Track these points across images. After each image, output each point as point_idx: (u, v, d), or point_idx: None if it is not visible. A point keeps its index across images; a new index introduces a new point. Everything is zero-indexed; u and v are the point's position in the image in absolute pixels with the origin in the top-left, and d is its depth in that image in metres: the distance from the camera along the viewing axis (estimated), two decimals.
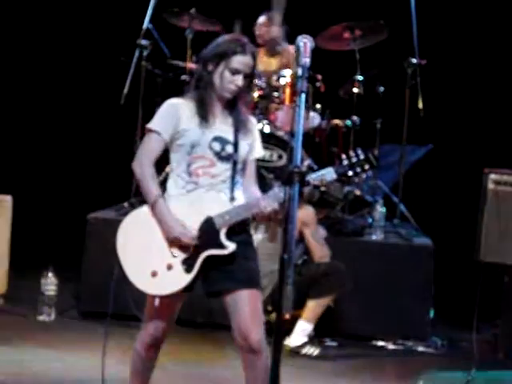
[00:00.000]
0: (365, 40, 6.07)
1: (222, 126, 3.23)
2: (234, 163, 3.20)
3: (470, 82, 6.91)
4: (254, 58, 3.22)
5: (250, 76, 3.22)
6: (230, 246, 3.12)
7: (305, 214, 5.01)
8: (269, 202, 3.10)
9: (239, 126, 3.24)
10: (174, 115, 3.19)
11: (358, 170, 3.12)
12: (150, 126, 3.21)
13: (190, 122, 3.19)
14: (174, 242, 3.12)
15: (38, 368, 4.29)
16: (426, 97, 5.74)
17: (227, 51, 3.17)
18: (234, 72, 3.16)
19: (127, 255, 3.16)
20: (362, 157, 3.11)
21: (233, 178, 3.21)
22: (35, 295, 5.20)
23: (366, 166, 3.12)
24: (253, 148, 3.29)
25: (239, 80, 3.17)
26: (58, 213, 7.10)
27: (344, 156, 3.14)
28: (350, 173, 3.12)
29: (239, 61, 3.16)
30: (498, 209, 5.09)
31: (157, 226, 3.15)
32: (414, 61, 5.78)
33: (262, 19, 6.09)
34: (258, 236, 4.92)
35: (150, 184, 3.16)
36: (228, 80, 3.17)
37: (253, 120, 3.35)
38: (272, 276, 4.72)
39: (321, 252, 5.05)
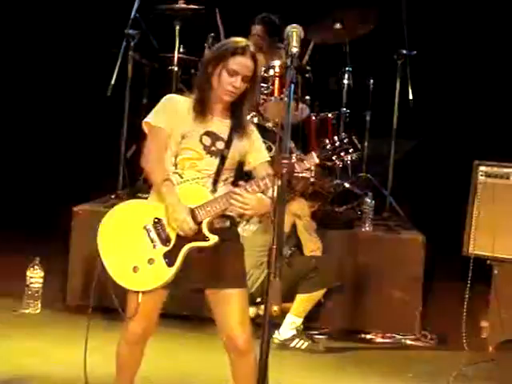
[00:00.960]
0: (355, 27, 5.99)
1: (219, 124, 3.19)
2: (224, 158, 3.16)
3: (461, 74, 6.90)
4: (255, 60, 3.16)
5: (250, 78, 3.16)
6: (213, 238, 3.07)
7: (298, 207, 4.99)
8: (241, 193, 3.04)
9: (237, 128, 3.19)
10: (172, 108, 3.17)
11: (342, 153, 3.04)
12: (152, 121, 3.16)
13: (184, 115, 3.15)
14: (171, 223, 3.05)
15: (22, 362, 4.24)
16: (416, 88, 5.70)
17: (226, 52, 3.13)
18: (232, 73, 3.11)
19: (108, 251, 3.11)
20: (345, 140, 3.05)
21: (218, 172, 3.16)
22: (21, 288, 5.15)
23: (350, 150, 3.04)
24: (252, 154, 3.22)
25: (237, 81, 3.11)
26: (45, 204, 7.03)
27: (327, 140, 3.07)
28: (334, 157, 3.05)
29: (237, 62, 3.11)
30: (487, 201, 5.07)
31: (138, 219, 3.10)
32: (404, 52, 5.74)
33: (254, 30, 6.02)
34: (250, 227, 4.89)
35: (156, 172, 3.11)
36: (226, 81, 3.11)
37: (252, 127, 3.30)
38: (263, 268, 4.70)
39: (313, 245, 5.03)
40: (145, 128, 3.20)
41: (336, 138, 3.05)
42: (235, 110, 3.21)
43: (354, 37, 6.06)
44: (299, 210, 5.01)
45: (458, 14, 6.86)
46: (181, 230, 3.04)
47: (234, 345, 3.09)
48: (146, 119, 3.18)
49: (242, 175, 3.29)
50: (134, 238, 3.09)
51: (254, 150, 3.25)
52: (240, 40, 3.19)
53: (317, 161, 3.04)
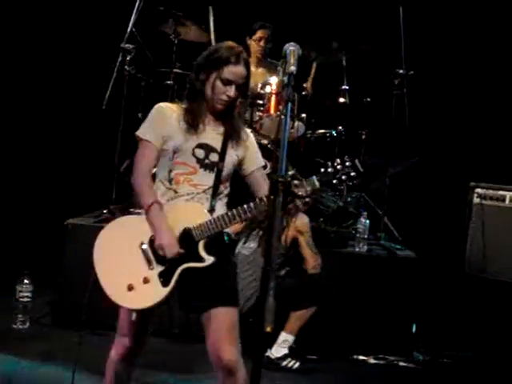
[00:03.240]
0: (352, 49, 5.99)
1: (212, 134, 3.16)
2: (218, 172, 3.12)
3: (457, 95, 6.90)
4: (248, 67, 3.14)
5: (243, 86, 3.14)
6: (208, 259, 3.04)
7: (300, 223, 4.97)
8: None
9: (230, 136, 3.16)
10: (162, 121, 3.13)
11: (344, 177, 2.97)
12: (141, 135, 3.14)
13: (175, 127, 3.12)
14: (157, 249, 3.03)
15: (10, 377, 4.18)
16: (413, 108, 5.68)
17: (219, 61, 3.09)
18: (226, 82, 3.09)
19: (103, 267, 3.08)
20: (347, 164, 3.00)
21: (215, 187, 3.13)
22: (10, 302, 5.08)
23: (352, 173, 2.99)
24: (247, 159, 3.21)
25: (231, 90, 3.10)
26: (37, 218, 6.99)
27: (329, 163, 3.01)
28: (335, 181, 3.01)
29: (231, 71, 3.09)
30: (482, 223, 5.06)
31: (135, 237, 3.07)
32: (401, 71, 5.73)
33: (260, 34, 6.05)
34: (250, 245, 4.85)
35: (145, 192, 3.09)
36: (220, 91, 3.09)
37: (247, 132, 3.27)
38: (256, 286, 4.67)
39: (314, 261, 5.00)
40: (137, 139, 3.18)
41: (338, 160, 2.99)
42: (227, 117, 3.18)
43: (354, 54, 6.04)
44: (301, 226, 4.98)
45: (455, 35, 6.87)
46: (168, 254, 3.01)
47: (222, 364, 3.05)
48: (137, 131, 3.16)
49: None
50: (130, 256, 3.06)
51: (249, 156, 3.23)
52: (232, 46, 3.15)
53: (317, 184, 2.99)
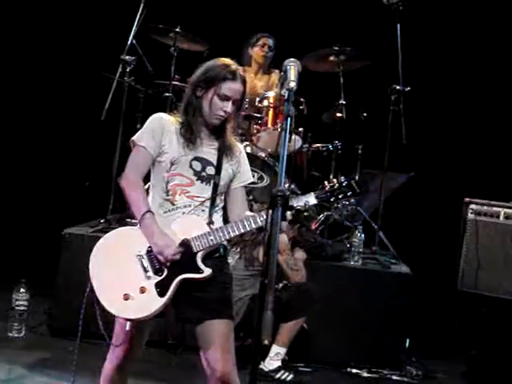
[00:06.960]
0: (349, 64, 6.05)
1: (207, 148, 3.19)
2: (215, 185, 3.16)
3: (453, 112, 6.94)
4: (244, 83, 3.18)
5: (239, 102, 3.18)
6: (206, 271, 3.06)
7: (280, 242, 4.94)
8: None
9: (224, 151, 3.20)
10: (160, 130, 3.15)
11: (340, 196, 3.05)
12: (137, 140, 3.15)
13: (173, 139, 3.15)
14: (157, 256, 3.05)
15: None
16: (409, 124, 5.72)
17: (217, 77, 3.13)
18: (224, 98, 3.12)
19: (100, 277, 3.08)
20: (344, 183, 3.06)
21: (213, 200, 3.16)
22: (6, 311, 5.09)
23: (349, 193, 3.06)
24: (239, 175, 3.25)
25: (228, 106, 3.13)
26: (34, 227, 6.99)
27: (326, 182, 3.09)
28: (332, 199, 3.07)
29: (229, 87, 3.12)
30: (477, 239, 5.09)
31: (132, 247, 3.09)
32: (398, 87, 5.76)
33: (264, 41, 6.13)
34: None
35: (138, 199, 3.10)
36: (217, 106, 3.13)
37: (240, 147, 3.31)
38: (242, 302, 4.68)
39: (296, 277, 5.00)
40: (131, 145, 3.20)
41: (335, 180, 3.07)
42: (220, 131, 3.22)
43: (349, 69, 6.10)
44: (281, 246, 4.96)
45: (452, 51, 6.92)
46: (164, 255, 3.02)
47: (217, 375, 3.06)
48: (133, 137, 3.18)
49: None
50: (127, 265, 3.07)
51: (240, 172, 3.26)
52: (229, 63, 3.19)
53: (315, 201, 3.03)
